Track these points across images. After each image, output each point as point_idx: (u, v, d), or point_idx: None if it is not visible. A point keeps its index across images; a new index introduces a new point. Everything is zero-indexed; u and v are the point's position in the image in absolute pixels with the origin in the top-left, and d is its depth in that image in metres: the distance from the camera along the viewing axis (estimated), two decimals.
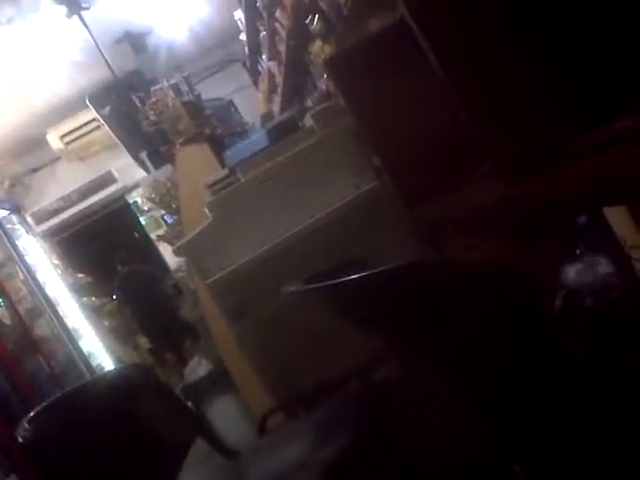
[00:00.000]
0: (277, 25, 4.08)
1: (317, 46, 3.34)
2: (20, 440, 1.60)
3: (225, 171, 2.60)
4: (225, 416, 3.34)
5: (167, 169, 4.52)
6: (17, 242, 5.45)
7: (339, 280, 0.92)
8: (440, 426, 1.39)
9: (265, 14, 4.25)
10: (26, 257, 5.41)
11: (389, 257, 2.01)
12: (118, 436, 1.69)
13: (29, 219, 6.56)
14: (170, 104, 3.79)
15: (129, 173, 6.59)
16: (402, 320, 0.97)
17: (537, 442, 1.10)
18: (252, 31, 5.10)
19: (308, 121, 2.50)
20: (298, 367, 2.13)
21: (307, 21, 3.31)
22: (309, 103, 4.41)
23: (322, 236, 2.16)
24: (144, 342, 6.08)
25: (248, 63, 6.20)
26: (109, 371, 4.17)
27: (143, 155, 5.07)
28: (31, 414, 1.71)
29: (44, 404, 1.76)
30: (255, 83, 6.43)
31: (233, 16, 5.44)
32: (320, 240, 2.15)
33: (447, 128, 1.93)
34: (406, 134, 2.11)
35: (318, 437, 1.57)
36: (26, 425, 1.66)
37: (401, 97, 2.12)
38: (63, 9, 4.66)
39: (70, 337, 5.21)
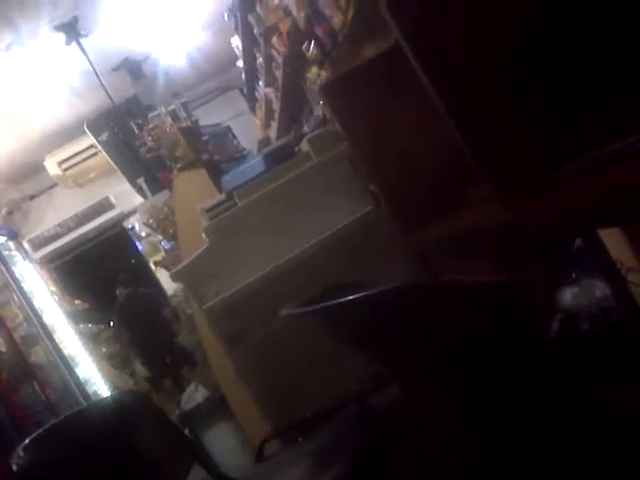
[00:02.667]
0: (273, 51, 4.14)
1: (313, 72, 3.38)
2: (15, 468, 1.59)
3: (222, 196, 2.62)
4: (222, 443, 3.30)
5: (164, 195, 4.53)
6: (14, 269, 5.44)
7: (333, 302, 0.92)
8: (439, 451, 1.38)
9: (261, 41, 4.30)
10: (23, 284, 5.40)
11: (386, 281, 2.02)
12: (114, 464, 1.68)
13: (26, 245, 6.56)
14: (168, 130, 3.82)
15: (127, 199, 6.61)
16: (397, 343, 0.97)
17: (535, 464, 1.09)
18: (249, 58, 5.17)
19: (305, 146, 2.52)
20: (295, 393, 2.12)
21: (303, 47, 3.36)
22: (306, 129, 4.45)
23: (318, 261, 2.16)
24: (141, 369, 6.04)
25: (245, 89, 6.27)
26: (105, 397, 4.13)
27: (141, 181, 5.09)
28: (26, 442, 1.69)
29: (39, 432, 1.74)
30: (252, 109, 6.49)
31: (230, 43, 5.51)
32: (316, 265, 2.16)
33: (443, 153, 1.95)
34: (402, 159, 2.13)
35: (316, 464, 1.55)
36: (21, 453, 1.64)
37: (397, 122, 2.14)
38: (62, 36, 4.71)
39: (66, 364, 5.17)
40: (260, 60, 4.76)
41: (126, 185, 6.02)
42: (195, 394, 3.48)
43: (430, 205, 2.05)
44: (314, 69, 3.34)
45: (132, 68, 5.55)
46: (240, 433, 3.14)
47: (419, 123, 2.13)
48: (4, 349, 4.46)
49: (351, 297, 0.88)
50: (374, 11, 2.47)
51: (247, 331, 2.15)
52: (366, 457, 1.50)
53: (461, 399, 1.04)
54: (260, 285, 2.17)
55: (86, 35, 4.80)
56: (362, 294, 0.88)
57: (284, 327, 2.00)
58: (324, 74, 3.19)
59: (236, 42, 5.38)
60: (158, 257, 5.48)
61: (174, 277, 2.38)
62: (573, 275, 1.52)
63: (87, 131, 5.73)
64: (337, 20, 2.65)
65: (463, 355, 0.94)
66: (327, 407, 1.82)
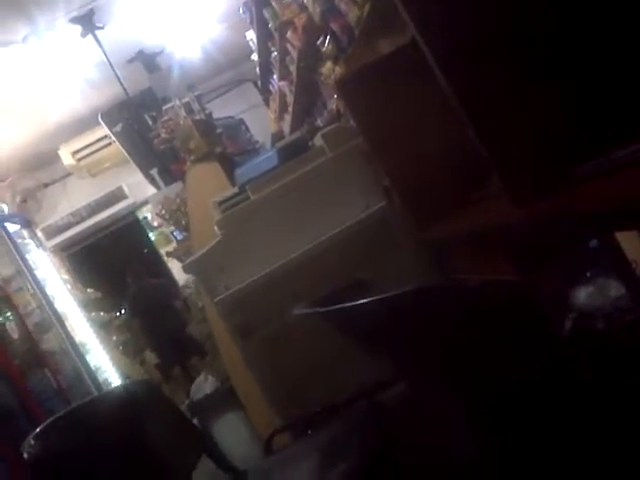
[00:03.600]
0: (288, 46, 4.12)
1: (328, 67, 3.36)
2: (25, 456, 1.60)
3: (235, 189, 2.62)
4: (231, 434, 3.32)
5: (177, 186, 4.55)
6: (27, 256, 5.48)
7: (346, 305, 0.92)
8: (446, 449, 1.38)
9: (276, 35, 4.29)
10: (36, 271, 5.44)
11: (396, 278, 2.02)
12: (124, 453, 1.69)
13: (40, 234, 6.61)
14: (181, 122, 3.83)
15: (139, 190, 6.64)
16: (409, 343, 0.97)
17: (546, 465, 1.09)
18: (264, 51, 5.16)
19: (318, 141, 2.52)
20: (305, 386, 2.13)
21: (318, 42, 3.34)
22: (319, 123, 4.44)
23: (330, 256, 2.16)
24: (151, 358, 6.08)
25: (259, 83, 6.26)
26: (116, 387, 4.16)
27: (154, 172, 5.11)
28: (37, 430, 1.71)
29: (50, 420, 1.76)
30: (266, 102, 6.48)
31: (245, 36, 5.50)
32: (328, 260, 2.16)
33: (456, 149, 1.94)
34: (416, 155, 2.12)
35: (324, 458, 1.55)
36: (32, 441, 1.66)
37: (411, 118, 2.13)
38: (78, 28, 4.73)
39: (77, 352, 5.21)
40: (275, 54, 4.75)
41: (139, 176, 6.04)
42: (204, 384, 3.49)
43: (444, 201, 2.05)
44: (329, 64, 3.32)
45: (147, 60, 5.56)
46: (248, 425, 3.16)
47: (434, 119, 2.12)
48: (16, 336, 4.50)
49: (365, 300, 0.88)
50: (391, 7, 2.46)
51: (257, 324, 2.15)
52: (374, 453, 1.50)
53: (472, 398, 1.04)
54: (271, 279, 2.17)
55: (102, 27, 4.82)
56: (376, 298, 0.88)
57: (295, 321, 2.00)
58: (339, 69, 3.18)
59: (251, 36, 5.37)
60: (170, 248, 5.51)
61: (186, 269, 2.40)
62: (588, 274, 1.51)
63: (101, 122, 5.75)
64: (353, 15, 2.63)
65: (475, 354, 0.94)
66: (336, 402, 1.82)
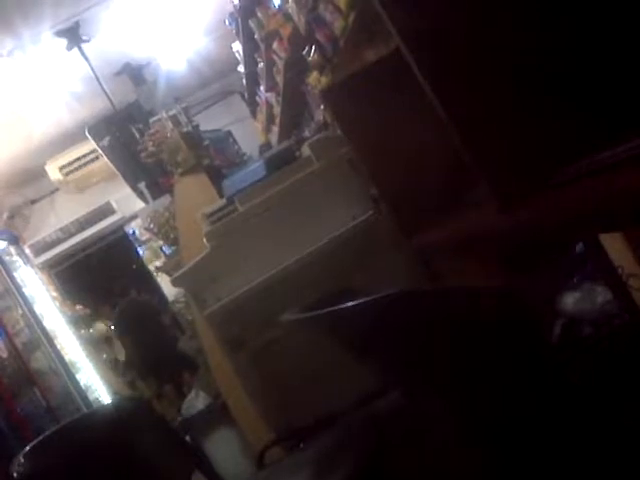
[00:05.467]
0: (274, 56, 4.14)
1: (314, 77, 3.38)
2: (15, 475, 1.58)
3: (223, 201, 2.61)
4: (223, 450, 3.29)
5: (165, 200, 4.53)
6: (15, 274, 5.43)
7: (334, 307, 0.91)
8: (442, 458, 1.37)
9: (262, 45, 4.31)
10: (24, 289, 5.39)
11: (388, 285, 2.01)
12: (114, 470, 1.67)
13: (27, 251, 6.56)
14: (169, 135, 3.82)
15: (128, 204, 6.61)
16: (397, 348, 0.96)
17: (537, 470, 1.08)
18: (250, 63, 5.17)
19: (305, 151, 2.52)
20: (298, 399, 2.11)
21: (304, 52, 3.36)
22: (307, 133, 4.44)
23: (320, 266, 2.16)
24: (143, 374, 6.01)
25: (246, 94, 6.28)
26: (105, 404, 4.12)
27: (142, 186, 5.09)
28: (27, 449, 1.69)
29: (39, 438, 1.73)
30: (253, 114, 6.49)
31: (231, 48, 5.52)
32: (318, 270, 2.15)
33: (442, 157, 1.94)
34: (402, 163, 2.12)
35: (318, 471, 1.54)
36: (21, 460, 1.63)
37: (397, 127, 2.14)
38: (63, 42, 4.72)
39: (67, 370, 5.15)
40: (261, 65, 4.77)
41: (127, 190, 6.02)
42: (196, 400, 3.47)
43: (431, 208, 2.05)
44: (315, 74, 3.33)
45: (133, 73, 5.56)
46: (241, 439, 3.13)
47: (419, 127, 2.12)
48: (5, 355, 4.45)
49: (353, 303, 0.87)
50: (375, 16, 2.47)
51: (248, 336, 2.14)
52: (369, 464, 1.49)
53: (463, 406, 1.03)
54: (261, 290, 2.16)
55: (88, 40, 4.81)
56: (363, 300, 0.87)
57: (286, 333, 1.99)
58: (325, 79, 3.19)
59: (237, 47, 5.38)
60: (159, 262, 5.48)
61: (175, 282, 2.38)
62: (574, 280, 1.51)
63: (88, 136, 5.73)
64: (338, 25, 2.65)
65: (465, 361, 0.94)
66: (329, 413, 1.81)
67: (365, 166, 2.25)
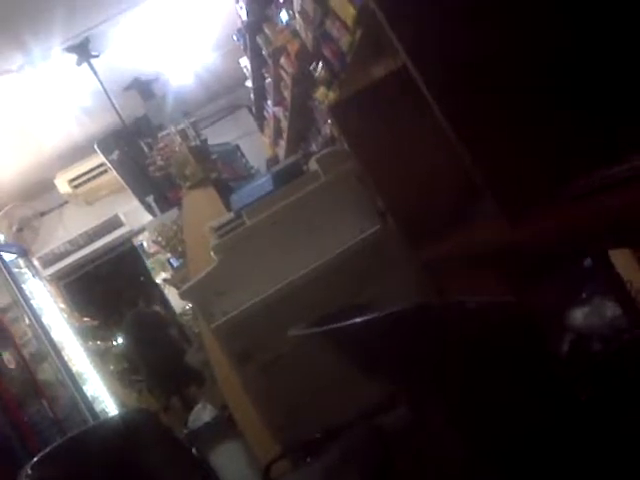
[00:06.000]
0: (282, 71, 4.17)
1: (321, 92, 3.40)
2: None
3: (231, 215, 2.63)
4: (230, 462, 3.28)
5: (173, 213, 4.56)
6: (23, 286, 5.46)
7: (342, 324, 0.92)
8: (448, 472, 1.37)
9: (270, 61, 4.34)
10: (32, 301, 5.42)
11: (395, 299, 2.01)
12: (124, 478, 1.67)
13: (36, 263, 6.59)
14: (177, 149, 3.85)
15: (136, 217, 6.65)
16: (406, 363, 0.97)
17: None
18: (258, 77, 5.21)
19: (313, 165, 2.54)
20: (304, 412, 2.11)
21: (311, 68, 3.38)
22: (314, 148, 4.47)
23: (327, 280, 2.17)
24: (149, 386, 6.01)
25: (254, 108, 6.32)
26: (112, 416, 4.12)
27: (150, 199, 5.13)
28: (34, 460, 1.69)
29: (47, 450, 1.74)
30: (261, 128, 6.53)
31: (239, 63, 5.56)
32: (325, 284, 2.16)
33: (449, 170, 1.96)
34: (409, 177, 2.14)
35: None
36: (29, 471, 1.63)
37: (403, 141, 2.16)
38: (73, 57, 4.78)
39: (74, 381, 5.16)
40: (269, 80, 4.80)
41: (135, 203, 6.06)
42: (203, 413, 3.46)
43: (438, 222, 2.06)
44: (322, 89, 3.36)
45: (142, 88, 5.62)
46: (248, 452, 3.12)
47: (427, 142, 2.14)
48: (13, 365, 4.47)
49: (364, 318, 0.88)
50: (382, 32, 2.50)
51: (256, 350, 2.15)
52: (374, 477, 1.49)
53: (471, 419, 1.03)
54: (268, 304, 2.17)
55: (97, 56, 4.87)
56: (374, 315, 0.88)
57: (293, 347, 2.00)
58: (332, 94, 3.21)
59: (245, 62, 5.43)
60: (166, 275, 5.50)
61: (182, 295, 2.39)
62: (583, 295, 1.51)
63: (97, 150, 5.78)
64: (345, 41, 2.67)
65: (472, 374, 0.94)
66: (336, 427, 1.81)
67: (372, 180, 2.27)
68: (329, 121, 3.70)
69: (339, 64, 2.94)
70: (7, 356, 4.48)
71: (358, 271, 2.16)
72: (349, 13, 2.42)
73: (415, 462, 1.52)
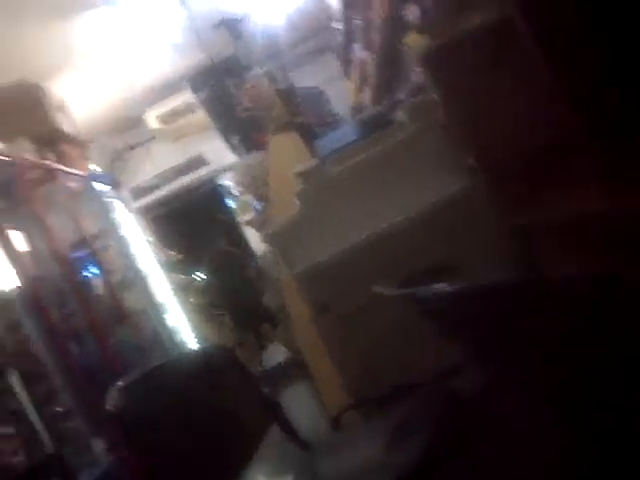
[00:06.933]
0: (372, 14, 4.04)
1: (412, 38, 3.27)
2: (109, 408, 1.69)
3: (315, 161, 2.62)
4: (298, 405, 3.38)
5: (258, 155, 4.59)
6: (114, 215, 5.70)
7: (433, 289, 0.90)
8: (522, 444, 1.35)
9: (361, 2, 4.21)
10: (121, 231, 5.66)
11: (479, 263, 1.96)
12: (199, 413, 1.75)
13: (126, 195, 6.86)
14: (264, 91, 3.85)
15: (221, 157, 6.76)
16: (497, 334, 0.94)
17: (629, 469, 1.04)
18: (347, 20, 5.08)
19: (401, 115, 2.47)
20: (379, 366, 2.12)
21: (403, 12, 3.25)
22: (401, 96, 4.34)
23: (410, 235, 2.13)
24: (227, 322, 6.25)
25: (341, 52, 6.19)
26: (193, 350, 4.32)
27: (235, 140, 5.17)
28: (120, 384, 1.79)
29: (133, 376, 1.84)
30: (347, 73, 6.40)
31: (328, 4, 5.43)
32: (408, 238, 2.13)
33: (547, 131, 1.85)
34: (503, 135, 2.04)
35: (392, 439, 1.56)
36: (115, 394, 1.74)
37: (498, 96, 2.05)
38: None
39: (157, 311, 5.42)
40: (358, 23, 4.67)
41: (220, 143, 6.14)
42: (276, 354, 3.56)
43: (531, 184, 1.97)
44: (413, 35, 3.23)
45: (231, 27, 5.60)
46: (316, 398, 3.20)
47: (523, 98, 2.03)
48: (101, 292, 4.72)
49: (452, 288, 0.86)
50: None
51: (335, 299, 2.16)
52: (443, 438, 1.49)
53: (557, 394, 1.00)
54: (351, 254, 2.16)
55: None
56: (464, 285, 0.85)
57: (374, 300, 1.99)
58: (424, 41, 3.08)
59: (334, 3, 5.29)
60: (248, 216, 5.60)
61: (265, 239, 2.43)
62: None
63: (187, 87, 5.86)
64: None
65: (566, 352, 0.91)
66: (409, 384, 1.81)
67: (462, 134, 2.18)
68: (418, 69, 3.57)
69: (434, 10, 2.81)
70: (98, 282, 4.73)
71: (442, 228, 2.11)
72: None
73: (489, 426, 1.51)
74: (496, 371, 1.14)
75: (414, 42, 3.29)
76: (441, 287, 0.88)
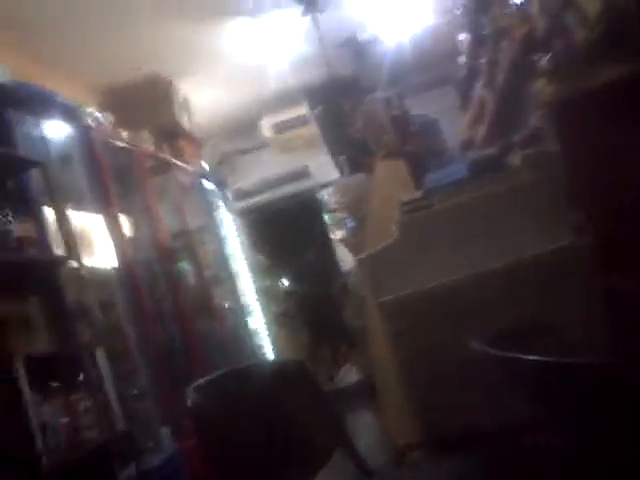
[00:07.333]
0: (500, 54, 4.00)
1: (541, 84, 3.21)
2: (188, 403, 1.76)
3: (420, 193, 2.62)
4: (363, 431, 3.36)
5: (361, 177, 4.63)
6: (215, 213, 5.93)
7: (536, 358, 0.87)
8: None
9: (490, 41, 4.18)
10: (220, 229, 5.87)
11: (573, 324, 1.89)
12: (271, 420, 1.79)
13: (229, 195, 7.11)
14: (379, 115, 3.89)
15: (324, 172, 6.87)
16: (583, 412, 0.91)
17: None
18: (473, 55, 5.05)
19: (516, 161, 2.43)
20: (449, 405, 2.09)
21: (535, 57, 3.20)
22: (516, 140, 4.26)
23: (503, 283, 2.09)
24: (304, 334, 6.31)
25: (461, 86, 6.15)
26: (270, 361, 4.40)
27: (342, 158, 5.25)
28: (200, 382, 1.87)
29: (212, 376, 1.92)
30: (463, 107, 6.35)
31: (456, 37, 5.43)
32: (500, 287, 2.09)
33: None
34: (620, 197, 1.96)
35: None
36: (194, 392, 1.82)
37: (625, 157, 1.98)
38: (300, 8, 4.97)
39: (240, 311, 5.57)
40: (484, 60, 4.63)
41: (326, 159, 6.25)
42: (349, 374, 3.57)
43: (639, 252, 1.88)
44: (542, 81, 3.17)
45: (356, 48, 5.70)
46: (381, 425, 3.17)
47: None
48: (193, 283, 4.90)
49: (558, 360, 0.83)
50: (624, 32, 2.28)
51: (416, 333, 2.15)
52: None
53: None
54: (439, 292, 2.15)
55: (322, 11, 5.02)
56: (569, 360, 0.83)
57: (454, 339, 1.97)
58: (552, 88, 3.02)
59: (463, 37, 5.28)
60: (340, 233, 5.66)
61: (359, 262, 2.45)
62: None
63: (304, 101, 6.01)
64: (580, 35, 2.48)
65: None
66: (477, 433, 1.77)
67: (577, 189, 2.12)
68: (541, 114, 3.49)
69: (567, 59, 2.75)
70: (191, 274, 4.93)
71: (539, 283, 2.05)
72: (593, 7, 2.24)
73: None
74: (572, 437, 1.09)
75: (542, 88, 3.23)
76: (532, 357, 0.86)
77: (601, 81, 2.44)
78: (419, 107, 5.96)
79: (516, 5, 3.38)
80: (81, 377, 2.86)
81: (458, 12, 4.97)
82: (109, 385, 3.12)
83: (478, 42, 4.62)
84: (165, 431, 3.41)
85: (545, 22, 2.83)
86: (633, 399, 0.83)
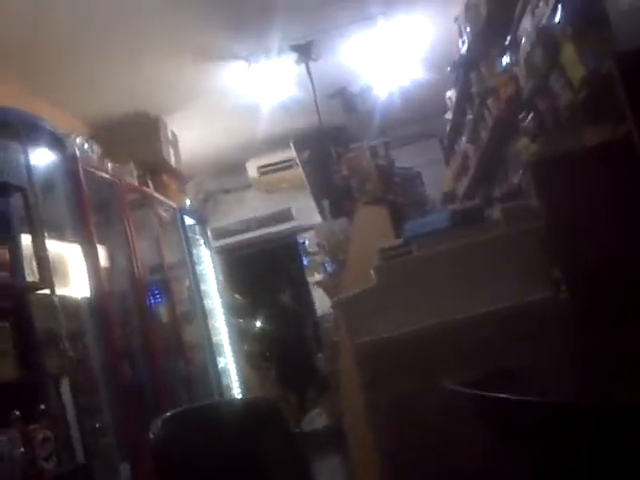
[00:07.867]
0: (486, 112, 4.12)
1: (523, 142, 3.31)
2: (151, 437, 1.71)
3: (400, 241, 2.65)
4: (329, 475, 3.30)
5: (342, 222, 4.66)
6: (194, 250, 5.90)
7: (511, 397, 0.88)
8: None
9: (477, 99, 4.31)
10: (197, 266, 5.83)
11: (541, 374, 1.90)
12: (236, 459, 1.74)
13: (209, 233, 7.11)
14: (364, 164, 3.95)
15: (306, 215, 6.92)
16: (554, 453, 0.90)
17: None
18: (459, 112, 5.20)
19: (496, 214, 2.47)
20: (420, 455, 2.07)
21: (519, 116, 3.30)
22: (496, 193, 4.36)
23: (479, 331, 2.10)
24: (272, 375, 6.23)
25: (445, 140, 6.30)
26: (241, 398, 4.32)
27: (325, 203, 5.30)
28: (166, 415, 1.82)
29: (178, 410, 1.86)
30: (446, 161, 6.50)
31: (444, 94, 5.59)
32: (476, 335, 2.09)
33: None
34: (597, 255, 2.00)
35: None
36: (159, 425, 1.76)
37: (602, 217, 2.03)
38: (294, 56, 5.09)
39: (211, 350, 5.49)
40: (469, 117, 4.77)
41: (309, 202, 6.30)
42: (317, 418, 3.51)
43: (615, 309, 1.91)
44: (525, 140, 3.26)
45: (346, 99, 5.82)
46: (349, 471, 3.12)
47: (627, 222, 2.00)
48: (165, 320, 4.84)
49: (527, 398, 0.83)
50: (606, 98, 2.37)
51: (390, 378, 2.14)
52: None
53: None
54: (414, 338, 2.15)
55: (316, 60, 5.14)
56: (538, 400, 0.83)
57: (427, 388, 1.96)
58: (534, 147, 3.11)
59: (450, 95, 5.44)
60: (318, 276, 5.66)
61: (336, 303, 2.45)
62: None
63: (292, 146, 6.09)
64: (565, 98, 2.57)
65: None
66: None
67: (555, 245, 2.16)
68: (522, 172, 3.59)
69: (550, 120, 2.84)
70: (163, 310, 4.87)
71: (514, 334, 2.06)
72: (578, 73, 2.33)
73: None
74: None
75: (524, 147, 3.33)
76: (506, 395, 0.86)
77: (582, 144, 2.52)
78: (404, 158, 6.08)
79: (504, 66, 3.51)
80: (42, 407, 2.77)
81: (448, 69, 5.13)
82: (71, 417, 3.04)
83: (465, 99, 4.76)
84: (125, 467, 3.31)
85: (531, 84, 2.93)
86: (578, 441, 0.83)
